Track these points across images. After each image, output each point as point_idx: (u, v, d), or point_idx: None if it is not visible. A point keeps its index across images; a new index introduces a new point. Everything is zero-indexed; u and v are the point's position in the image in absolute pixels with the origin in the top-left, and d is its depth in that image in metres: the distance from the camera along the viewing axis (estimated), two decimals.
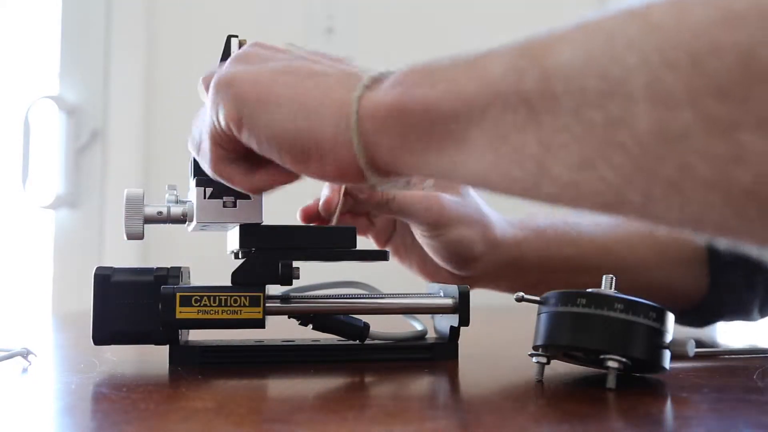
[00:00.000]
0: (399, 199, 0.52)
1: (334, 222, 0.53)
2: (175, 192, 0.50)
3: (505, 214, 0.61)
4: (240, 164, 0.43)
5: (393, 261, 0.56)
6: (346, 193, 0.53)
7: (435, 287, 0.54)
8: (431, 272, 0.60)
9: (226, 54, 0.50)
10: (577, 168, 0.28)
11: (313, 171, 0.39)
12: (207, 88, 0.43)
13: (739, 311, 0.68)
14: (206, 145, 0.43)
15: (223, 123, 0.40)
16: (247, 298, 0.47)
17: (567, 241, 0.61)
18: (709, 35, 0.24)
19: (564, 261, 0.60)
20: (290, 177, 0.44)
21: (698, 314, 0.67)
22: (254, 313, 0.47)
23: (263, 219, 0.49)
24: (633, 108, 0.26)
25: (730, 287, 0.65)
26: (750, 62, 0.23)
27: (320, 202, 0.54)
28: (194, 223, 0.49)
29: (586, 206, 0.30)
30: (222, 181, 0.44)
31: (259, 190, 0.45)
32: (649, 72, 0.26)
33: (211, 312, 0.47)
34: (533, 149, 0.30)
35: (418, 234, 0.55)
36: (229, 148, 0.42)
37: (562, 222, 0.62)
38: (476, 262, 0.56)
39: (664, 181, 0.26)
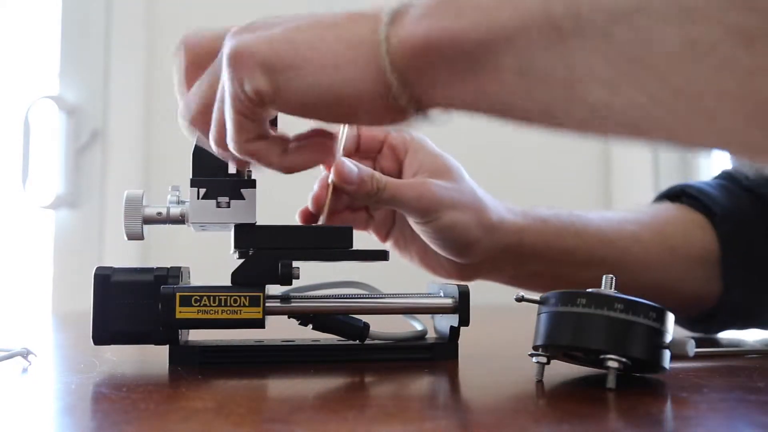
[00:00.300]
0: (390, 188, 0.52)
1: (322, 219, 0.53)
2: (177, 193, 0.50)
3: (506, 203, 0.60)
4: (272, 141, 0.42)
5: (393, 261, 0.55)
6: (334, 189, 0.52)
7: (435, 287, 0.54)
8: (432, 264, 0.59)
9: None
10: (605, 90, 0.28)
11: (358, 121, 0.39)
12: (190, 62, 0.44)
13: (755, 316, 0.65)
14: (232, 119, 0.40)
15: (251, 94, 0.39)
16: (247, 298, 0.47)
17: (571, 233, 0.59)
18: None
19: (567, 253, 0.59)
20: (325, 158, 0.44)
21: (711, 319, 0.64)
22: (254, 313, 0.47)
23: (257, 219, 0.49)
24: (659, 24, 0.26)
25: (745, 289, 0.63)
26: None
27: (309, 199, 0.54)
28: (191, 223, 0.49)
29: (615, 130, 0.30)
30: (251, 160, 0.42)
31: (291, 170, 0.43)
32: None
33: (211, 312, 0.47)
34: (562, 72, 0.30)
35: (413, 222, 0.54)
36: (258, 120, 0.40)
37: (567, 213, 0.60)
38: (473, 248, 0.55)
39: (692, 97, 0.26)
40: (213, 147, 0.44)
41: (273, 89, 0.38)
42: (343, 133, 0.52)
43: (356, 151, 0.56)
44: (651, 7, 0.26)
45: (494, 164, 1.34)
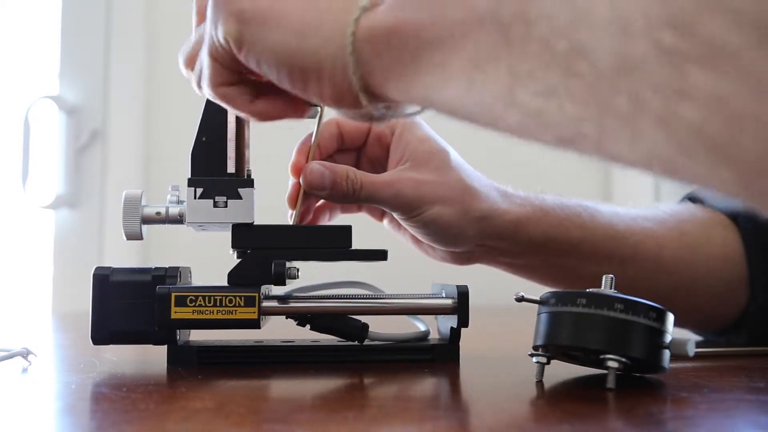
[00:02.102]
0: (366, 187, 0.51)
1: (292, 218, 0.52)
2: (177, 192, 0.50)
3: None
4: (241, 87, 0.42)
5: (394, 261, 0.55)
6: (305, 192, 0.52)
7: (438, 287, 0.54)
8: (425, 248, 0.57)
9: None
10: (541, 96, 0.29)
11: (311, 93, 0.39)
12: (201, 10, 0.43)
13: None
14: (206, 62, 0.42)
15: (222, 40, 0.40)
16: (242, 298, 0.47)
17: (576, 224, 0.56)
18: None
19: (571, 245, 0.56)
20: (293, 110, 0.44)
21: (739, 328, 0.61)
22: (249, 313, 0.47)
23: (254, 219, 0.49)
24: (595, 36, 0.26)
25: None
26: None
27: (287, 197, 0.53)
28: (188, 223, 0.49)
29: (547, 138, 0.30)
30: (222, 104, 0.43)
31: (260, 117, 0.44)
32: (613, 1, 0.26)
33: (206, 312, 0.47)
34: (504, 77, 0.30)
35: (396, 217, 0.54)
36: (229, 67, 0.41)
37: (575, 203, 0.58)
38: (460, 238, 0.54)
39: (618, 113, 0.26)
40: (195, 88, 0.44)
41: (239, 39, 0.39)
42: (317, 130, 0.52)
43: (338, 150, 0.56)
44: (590, 19, 0.27)
45: (494, 163, 1.33)
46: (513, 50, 0.29)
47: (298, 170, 0.52)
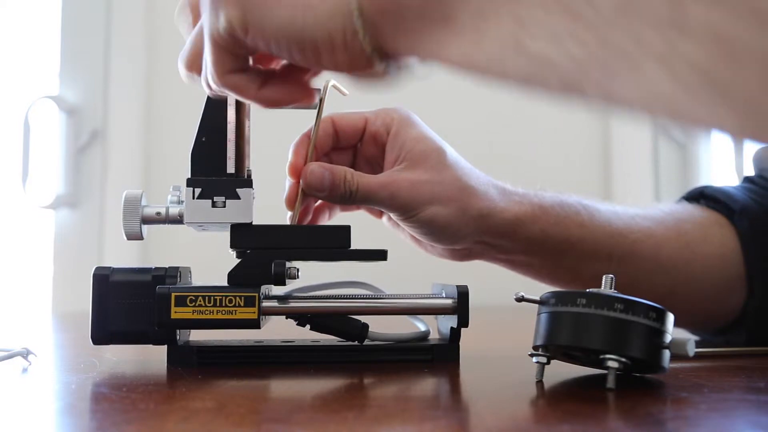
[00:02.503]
0: (362, 189, 0.51)
1: (291, 219, 0.52)
2: (178, 192, 0.50)
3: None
4: (249, 75, 0.42)
5: (395, 261, 0.55)
6: (304, 193, 0.52)
7: (438, 288, 0.54)
8: (424, 245, 0.57)
9: None
10: (547, 42, 0.29)
11: (325, 63, 0.39)
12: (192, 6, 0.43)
13: None
14: (210, 53, 0.41)
15: (226, 26, 0.39)
16: (242, 298, 0.47)
17: (576, 223, 0.56)
18: None
19: (570, 243, 0.56)
20: (301, 95, 0.44)
21: (738, 326, 0.61)
22: (249, 313, 0.47)
23: (253, 219, 0.49)
24: None
25: None
26: None
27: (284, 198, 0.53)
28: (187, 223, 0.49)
29: (554, 84, 0.30)
30: (230, 93, 0.43)
31: (269, 104, 0.44)
32: None
33: (206, 312, 0.47)
34: (509, 24, 0.30)
35: (393, 217, 0.54)
36: (235, 52, 0.41)
37: (575, 201, 0.57)
38: (457, 237, 0.54)
39: (622, 53, 0.27)
40: (204, 87, 0.44)
41: (244, 23, 0.39)
42: (315, 129, 0.52)
43: (334, 148, 0.55)
44: None
45: (494, 164, 1.33)
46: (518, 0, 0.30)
47: (296, 170, 0.52)
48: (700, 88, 0.25)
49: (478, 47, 0.32)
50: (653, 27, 0.25)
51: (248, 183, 0.49)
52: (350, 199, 0.51)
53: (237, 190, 0.49)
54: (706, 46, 0.24)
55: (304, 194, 0.52)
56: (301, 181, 0.51)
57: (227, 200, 0.48)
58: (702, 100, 0.25)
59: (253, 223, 0.49)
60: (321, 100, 0.51)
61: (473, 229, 0.54)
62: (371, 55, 0.37)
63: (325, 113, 0.53)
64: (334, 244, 0.50)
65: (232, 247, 0.49)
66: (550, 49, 0.29)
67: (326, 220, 0.57)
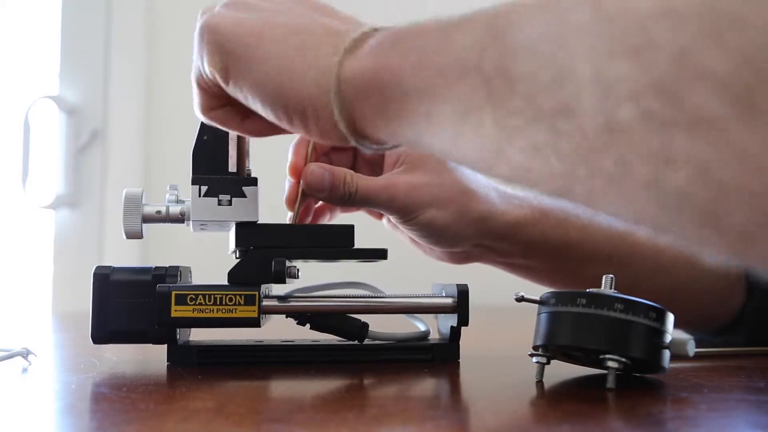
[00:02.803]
0: (361, 191, 0.51)
1: (291, 219, 0.52)
2: (175, 192, 0.50)
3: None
4: (230, 109, 0.43)
5: (395, 261, 0.55)
6: (304, 193, 0.52)
7: (438, 287, 0.54)
8: (423, 247, 0.57)
9: None
10: (528, 153, 0.28)
11: (297, 129, 0.39)
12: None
13: None
14: (194, 92, 0.42)
15: (207, 71, 0.40)
16: (242, 296, 0.47)
17: (576, 226, 0.56)
18: (649, 29, 0.24)
19: (570, 246, 0.56)
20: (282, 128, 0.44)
21: (737, 327, 0.61)
22: (249, 312, 0.47)
23: (259, 217, 0.49)
24: (579, 97, 0.26)
25: None
26: (684, 61, 0.23)
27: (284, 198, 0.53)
28: (191, 221, 0.49)
29: (539, 191, 0.30)
30: (214, 125, 0.44)
31: (253, 134, 0.44)
32: (595, 62, 0.25)
33: (206, 311, 0.47)
34: (490, 129, 0.29)
35: (392, 220, 0.54)
36: (216, 94, 0.41)
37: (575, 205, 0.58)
38: (456, 240, 0.54)
39: (605, 175, 0.26)
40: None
41: (225, 73, 0.39)
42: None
43: (333, 149, 0.55)
44: (573, 79, 0.26)
45: None
46: (498, 104, 0.29)
47: (297, 170, 0.52)
48: (688, 215, 0.24)
49: (458, 145, 0.32)
50: (639, 153, 0.25)
51: (254, 181, 0.49)
52: (350, 200, 0.51)
53: (243, 188, 0.49)
54: (692, 177, 0.23)
55: (304, 195, 0.52)
56: (301, 181, 0.51)
57: (233, 198, 0.48)
58: (690, 226, 0.25)
59: (258, 222, 0.49)
60: None
61: (473, 232, 0.54)
62: (345, 133, 0.37)
63: None
64: (339, 244, 0.50)
65: (237, 245, 0.49)
66: (532, 160, 0.28)
67: (327, 221, 0.57)
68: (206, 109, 0.43)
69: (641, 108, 0.24)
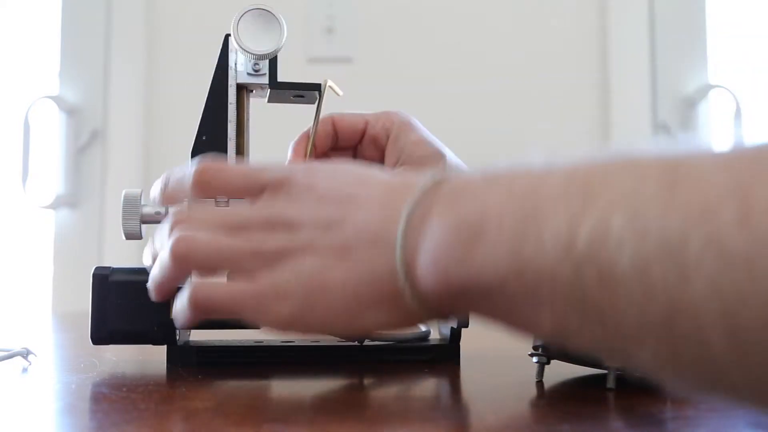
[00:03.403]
0: None
1: None
2: None
3: None
4: None
5: None
6: None
7: None
8: None
9: (224, 54, 0.50)
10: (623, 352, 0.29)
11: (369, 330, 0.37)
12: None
13: None
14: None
15: (269, 322, 0.36)
16: None
17: None
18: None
19: None
20: None
21: None
22: None
23: None
24: (705, 333, 0.25)
25: None
26: None
27: None
28: None
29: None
30: None
31: None
32: (724, 307, 0.24)
33: None
34: (548, 317, 0.29)
35: None
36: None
37: None
38: None
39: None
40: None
41: (290, 325, 0.36)
42: (314, 126, 0.52)
43: (333, 148, 0.55)
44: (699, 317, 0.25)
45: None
46: (605, 324, 0.28)
47: None
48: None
49: (533, 324, 0.31)
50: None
51: None
52: None
53: None
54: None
55: None
56: None
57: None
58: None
59: None
60: (320, 98, 0.51)
61: None
62: (428, 318, 0.35)
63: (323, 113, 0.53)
64: None
65: None
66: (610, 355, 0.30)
67: None
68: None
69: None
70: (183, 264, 0.37)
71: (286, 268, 0.36)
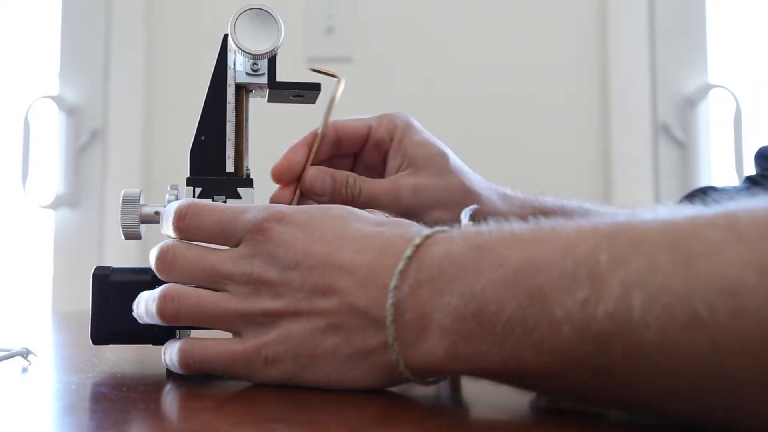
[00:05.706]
0: (366, 193, 0.51)
1: None
2: (176, 192, 0.50)
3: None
4: None
5: None
6: (302, 195, 0.52)
7: None
8: None
9: (222, 54, 0.50)
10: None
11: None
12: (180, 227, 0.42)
13: None
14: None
15: (265, 378, 0.40)
16: None
17: None
18: None
19: None
20: None
21: None
22: None
23: None
24: (737, 394, 0.26)
25: None
26: None
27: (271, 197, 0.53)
28: None
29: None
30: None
31: None
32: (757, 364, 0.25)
33: None
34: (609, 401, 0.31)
35: None
36: None
37: (576, 206, 0.57)
38: None
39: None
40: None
41: (287, 381, 0.39)
42: (319, 136, 0.52)
43: (335, 155, 0.55)
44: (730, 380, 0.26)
45: (494, 164, 1.34)
46: (629, 386, 0.29)
47: (280, 175, 0.52)
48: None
49: (544, 389, 0.34)
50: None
51: (249, 183, 0.49)
52: (353, 202, 0.51)
53: (238, 189, 0.49)
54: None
55: (302, 196, 0.52)
56: (300, 184, 0.51)
57: (228, 199, 0.48)
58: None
59: None
60: (332, 100, 0.51)
61: None
62: (418, 383, 0.38)
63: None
64: None
65: None
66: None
67: None
68: None
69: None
70: (172, 322, 0.41)
71: (273, 331, 0.38)
